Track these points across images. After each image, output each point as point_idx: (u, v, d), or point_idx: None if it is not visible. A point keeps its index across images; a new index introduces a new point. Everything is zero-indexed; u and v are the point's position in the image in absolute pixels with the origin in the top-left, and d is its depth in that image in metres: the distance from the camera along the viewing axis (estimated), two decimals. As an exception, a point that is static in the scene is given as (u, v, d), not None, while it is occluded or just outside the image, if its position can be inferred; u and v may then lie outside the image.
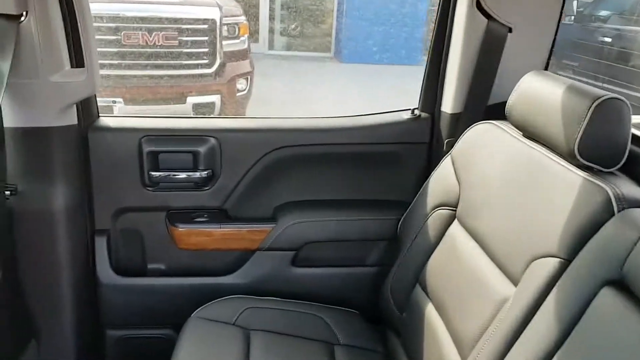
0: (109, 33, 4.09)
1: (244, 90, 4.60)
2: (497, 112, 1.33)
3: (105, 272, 1.55)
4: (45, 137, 1.37)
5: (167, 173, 1.53)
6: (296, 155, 1.57)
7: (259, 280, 1.59)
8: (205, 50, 4.38)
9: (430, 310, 1.27)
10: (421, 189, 1.46)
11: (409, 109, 1.63)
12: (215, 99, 4.39)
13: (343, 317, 1.51)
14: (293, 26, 8.47)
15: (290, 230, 1.57)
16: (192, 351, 1.30)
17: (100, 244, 1.55)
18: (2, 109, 1.33)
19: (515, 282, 1.04)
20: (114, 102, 4.10)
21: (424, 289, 1.33)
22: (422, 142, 1.62)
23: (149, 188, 1.53)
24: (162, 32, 4.24)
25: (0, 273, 1.27)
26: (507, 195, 1.15)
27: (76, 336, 1.54)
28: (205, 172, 1.53)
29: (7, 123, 1.35)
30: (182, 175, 1.53)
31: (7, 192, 1.36)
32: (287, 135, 1.56)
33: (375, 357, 1.41)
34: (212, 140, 1.52)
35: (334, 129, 1.59)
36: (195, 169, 1.54)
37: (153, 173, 1.51)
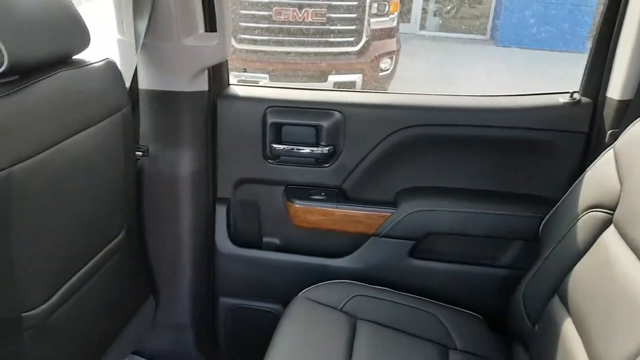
0: (262, 9, 4.18)
1: (387, 69, 4.48)
2: None
3: (223, 240, 1.54)
4: (177, 101, 1.38)
5: (288, 147, 1.47)
6: (427, 135, 1.42)
7: (372, 267, 1.48)
8: (352, 27, 4.32)
9: (568, 327, 1.08)
10: (573, 186, 1.23)
11: (568, 92, 1.39)
12: (356, 77, 4.32)
13: (463, 320, 1.35)
14: (449, 7, 8.12)
15: (412, 217, 1.44)
16: (295, 332, 1.24)
17: (220, 212, 1.54)
18: (137, 70, 1.37)
19: None
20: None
21: (563, 301, 1.13)
22: (579, 132, 1.38)
23: (269, 161, 1.49)
24: (312, 9, 4.24)
25: (124, 228, 1.31)
26: None
27: (192, 299, 1.57)
28: (327, 148, 1.45)
29: (141, 85, 1.38)
30: (304, 149, 1.47)
31: (139, 153, 1.40)
32: (419, 113, 1.41)
33: (495, 370, 1.24)
34: (337, 115, 1.43)
35: (474, 109, 1.41)
36: (317, 144, 1.47)
37: (275, 145, 1.47)
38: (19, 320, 1.00)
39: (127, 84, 1.31)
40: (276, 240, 1.59)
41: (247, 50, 4.16)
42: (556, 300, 1.15)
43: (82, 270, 1.17)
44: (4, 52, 0.88)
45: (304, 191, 1.50)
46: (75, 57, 1.12)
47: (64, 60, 1.08)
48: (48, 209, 1.02)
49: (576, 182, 1.22)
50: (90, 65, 1.13)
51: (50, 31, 0.99)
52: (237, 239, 1.58)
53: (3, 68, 0.89)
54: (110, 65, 1.19)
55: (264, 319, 1.58)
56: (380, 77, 4.45)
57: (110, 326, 1.35)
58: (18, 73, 0.96)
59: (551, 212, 1.28)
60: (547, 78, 5.62)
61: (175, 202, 1.45)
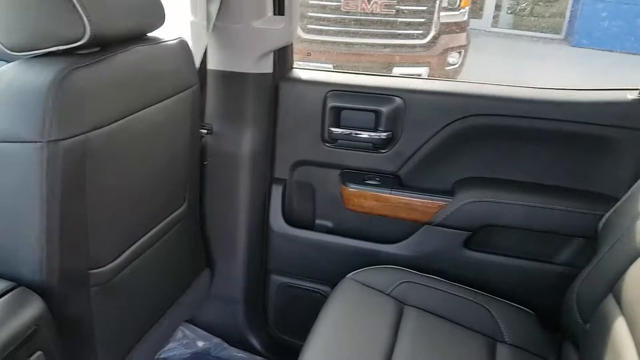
0: (332, -1, 4.21)
1: (455, 64, 4.40)
2: None
3: (277, 220, 1.59)
4: (243, 82, 1.43)
5: (347, 131, 1.49)
6: (488, 126, 1.41)
7: (424, 255, 1.48)
8: (422, 20, 4.27)
9: (621, 327, 1.04)
10: (636, 184, 1.19)
11: (636, 89, 1.34)
12: (423, 70, 4.28)
13: (514, 314, 1.33)
14: (524, 5, 7.86)
15: (469, 208, 1.43)
16: (340, 312, 1.27)
17: (276, 192, 1.59)
18: (207, 51, 1.43)
19: None
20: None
21: (618, 300, 1.09)
22: None
23: (327, 144, 1.52)
24: (381, 0, 4.23)
25: (187, 200, 1.38)
26: None
27: (245, 274, 1.62)
28: (385, 134, 1.46)
29: (210, 65, 1.44)
30: (362, 134, 1.48)
31: (204, 131, 1.46)
32: (481, 102, 1.40)
33: (543, 366, 1.22)
34: (398, 100, 1.44)
35: (540, 101, 1.38)
36: (375, 129, 1.48)
37: (333, 129, 1.49)
38: (87, 276, 1.08)
39: (197, 64, 1.37)
40: (329, 223, 1.62)
41: (312, 41, 4.20)
42: (610, 299, 1.12)
43: (147, 236, 1.24)
44: (87, 25, 0.95)
45: (359, 175, 1.52)
46: (150, 34, 1.19)
47: (140, 37, 1.15)
48: (120, 174, 1.09)
49: (639, 181, 1.18)
50: (165, 43, 1.20)
51: (130, 7, 1.06)
52: (291, 220, 1.62)
53: (85, 39, 0.96)
54: (183, 45, 1.25)
55: (312, 299, 1.62)
56: (448, 71, 4.38)
57: (168, 292, 1.42)
58: (98, 45, 1.03)
59: (612, 209, 1.24)
60: (627, 81, 5.35)
61: (234, 180, 1.51)
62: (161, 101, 1.16)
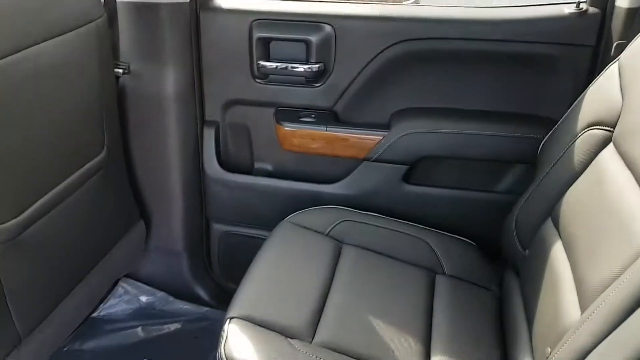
0: None
1: None
2: None
3: (211, 164, 1.51)
4: (157, 14, 1.31)
5: (277, 64, 1.39)
6: (422, 51, 1.33)
7: (363, 193, 1.43)
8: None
9: (558, 250, 1.02)
10: (574, 103, 1.14)
11: (574, 2, 1.28)
12: None
13: (455, 245, 1.30)
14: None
15: (406, 140, 1.37)
16: (276, 254, 1.22)
17: (209, 135, 1.50)
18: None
19: None
20: None
21: (556, 224, 1.07)
22: (585, 45, 1.27)
23: (258, 80, 1.42)
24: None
25: (106, 147, 1.28)
26: None
27: (184, 224, 1.55)
28: (317, 66, 1.37)
29: (118, -4, 1.32)
30: (293, 67, 1.39)
31: (119, 71, 1.35)
32: (415, 26, 1.31)
33: (485, 296, 1.20)
34: (328, 28, 1.35)
35: (475, 21, 1.30)
36: (307, 61, 1.39)
37: (263, 63, 1.39)
38: None
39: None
40: (268, 166, 1.54)
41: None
42: (549, 223, 1.09)
43: (60, 187, 1.15)
44: None
45: (294, 113, 1.44)
46: None
47: None
48: (15, 117, 0.99)
49: (578, 100, 1.13)
50: None
51: None
52: (228, 164, 1.54)
53: None
54: None
55: (256, 245, 1.56)
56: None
57: (95, 247, 1.34)
58: None
59: (551, 131, 1.19)
60: None
61: (161, 123, 1.41)
62: (56, 35, 1.04)
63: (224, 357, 0.95)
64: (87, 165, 1.23)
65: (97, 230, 1.33)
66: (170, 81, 1.37)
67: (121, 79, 1.37)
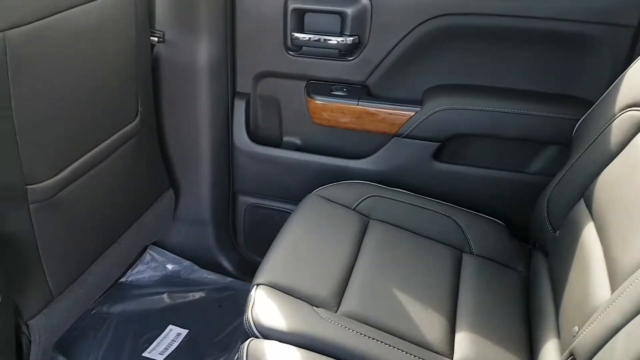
0: None
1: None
2: None
3: (241, 137, 1.51)
4: None
5: (311, 36, 1.38)
6: (460, 26, 1.31)
7: (393, 169, 1.42)
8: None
9: (590, 232, 1.00)
10: (613, 84, 1.12)
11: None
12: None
13: (483, 225, 1.29)
14: None
15: (438, 117, 1.35)
16: (303, 226, 1.22)
17: (239, 107, 1.50)
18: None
19: None
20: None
21: (589, 205, 1.05)
22: (627, 25, 1.23)
23: (290, 52, 1.42)
24: None
25: (140, 114, 1.30)
26: None
27: (211, 195, 1.57)
28: (351, 39, 1.36)
29: (157, -34, 1.32)
30: (327, 39, 1.37)
31: (155, 39, 1.36)
32: (454, 0, 1.29)
33: (512, 276, 1.19)
34: (364, 0, 1.33)
35: None
36: (341, 33, 1.38)
37: (296, 35, 1.39)
38: (24, 191, 1.01)
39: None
40: (297, 140, 1.54)
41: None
42: (581, 205, 1.07)
43: (94, 151, 1.17)
44: None
45: (325, 87, 1.43)
46: None
47: None
48: (51, 80, 1.00)
49: (616, 81, 1.10)
50: None
51: None
52: (257, 137, 1.54)
53: None
54: None
55: (282, 219, 1.57)
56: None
57: (126, 212, 1.36)
58: None
59: (587, 112, 1.17)
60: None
61: (193, 93, 1.42)
62: (92, 1, 1.05)
63: (251, 321, 0.96)
64: (122, 131, 1.25)
65: (129, 195, 1.35)
66: (203, 51, 1.38)
67: (156, 48, 1.38)
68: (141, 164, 1.37)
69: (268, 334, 0.94)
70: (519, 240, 1.28)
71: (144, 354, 1.39)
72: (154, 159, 1.44)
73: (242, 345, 0.92)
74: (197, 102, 1.44)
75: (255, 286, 1.04)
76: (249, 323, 0.96)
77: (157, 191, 1.48)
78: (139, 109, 1.30)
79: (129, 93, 1.25)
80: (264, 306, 0.99)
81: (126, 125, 1.26)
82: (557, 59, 1.32)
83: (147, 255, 1.65)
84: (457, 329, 1.03)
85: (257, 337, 0.95)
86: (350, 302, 1.04)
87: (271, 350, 0.91)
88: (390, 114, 1.39)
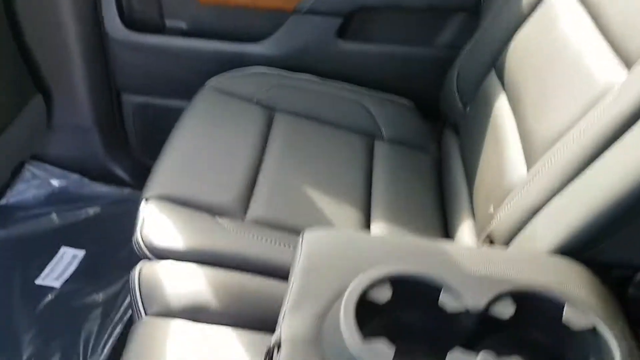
0: None
1: None
2: None
3: (113, 23, 1.29)
4: None
5: None
6: None
7: (294, 51, 1.28)
8: None
9: (502, 105, 0.95)
10: None
11: None
12: None
13: (393, 107, 1.21)
14: None
15: None
16: (197, 124, 1.09)
17: None
18: None
19: (629, 65, 0.70)
20: None
21: (500, 76, 0.98)
22: None
23: None
24: None
25: None
26: None
27: (89, 96, 1.37)
28: None
29: None
30: None
31: None
32: None
33: (423, 158, 1.14)
34: None
35: None
36: None
37: None
38: None
39: None
40: (182, 24, 1.34)
41: None
42: (492, 76, 1.01)
43: None
44: None
45: None
46: None
47: None
48: None
49: None
50: None
51: None
52: (133, 22, 1.32)
53: None
54: None
55: (174, 117, 1.42)
56: None
57: None
58: None
59: None
60: None
61: None
62: None
63: (141, 242, 0.85)
64: None
65: None
66: None
67: None
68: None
69: (162, 254, 0.83)
70: (429, 120, 1.22)
71: (37, 282, 1.26)
72: (7, 60, 1.21)
73: (133, 270, 0.81)
74: None
75: (144, 200, 0.91)
76: (139, 244, 0.84)
77: (22, 98, 1.27)
78: None
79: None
80: (155, 223, 0.87)
81: None
82: None
83: (27, 171, 1.45)
84: (372, 220, 0.97)
85: (150, 259, 0.83)
86: (258, 207, 0.94)
87: (167, 272, 0.81)
88: (285, -14, 1.22)
